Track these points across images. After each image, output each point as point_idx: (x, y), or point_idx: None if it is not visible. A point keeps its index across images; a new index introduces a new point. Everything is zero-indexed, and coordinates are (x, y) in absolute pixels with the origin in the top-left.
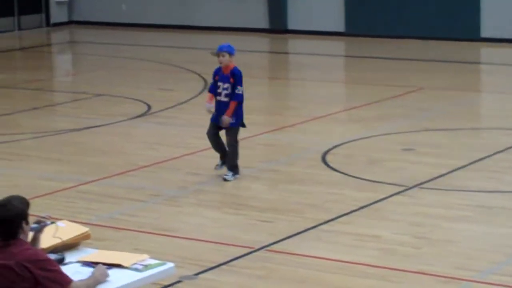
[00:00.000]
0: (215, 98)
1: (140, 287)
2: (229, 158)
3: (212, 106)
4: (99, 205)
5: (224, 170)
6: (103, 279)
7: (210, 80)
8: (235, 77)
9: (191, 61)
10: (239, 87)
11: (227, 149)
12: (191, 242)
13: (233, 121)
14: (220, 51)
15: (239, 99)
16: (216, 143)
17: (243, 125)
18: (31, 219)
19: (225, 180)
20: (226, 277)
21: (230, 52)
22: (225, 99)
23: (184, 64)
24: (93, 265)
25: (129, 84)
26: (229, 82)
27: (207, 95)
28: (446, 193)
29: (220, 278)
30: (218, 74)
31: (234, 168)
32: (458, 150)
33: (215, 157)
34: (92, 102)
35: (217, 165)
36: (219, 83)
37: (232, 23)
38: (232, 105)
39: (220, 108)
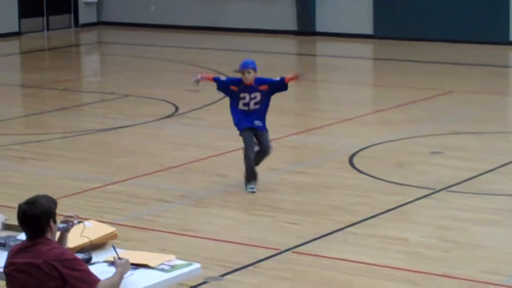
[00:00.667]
0: (240, 108)
1: (166, 287)
2: (260, 160)
3: (200, 79)
4: (126, 206)
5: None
6: (126, 270)
7: None
8: (266, 82)
9: (219, 62)
10: (274, 79)
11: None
12: (217, 243)
13: (261, 124)
14: (245, 68)
15: (282, 78)
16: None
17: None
18: (58, 219)
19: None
20: (251, 278)
21: (255, 68)
22: (256, 107)
23: (211, 65)
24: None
25: (157, 85)
26: (257, 91)
27: (208, 75)
28: (474, 197)
29: (245, 280)
30: (239, 86)
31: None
32: (487, 153)
33: (243, 158)
34: (120, 103)
35: (251, 187)
36: (243, 94)
37: (259, 25)
38: (289, 78)
39: (250, 116)
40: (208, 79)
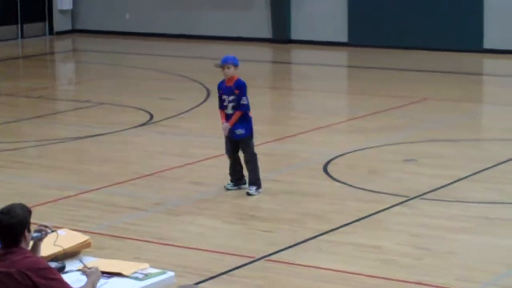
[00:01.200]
0: (227, 114)
1: None
2: (250, 173)
3: (226, 124)
4: (100, 214)
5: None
6: (98, 279)
7: (212, 89)
8: (240, 88)
9: (194, 70)
10: (244, 98)
11: (242, 171)
12: (191, 251)
13: (243, 131)
14: (225, 63)
15: (244, 109)
16: (234, 160)
17: (250, 136)
18: (32, 227)
19: (249, 194)
20: (225, 286)
21: (235, 64)
22: (232, 112)
23: (186, 73)
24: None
25: (132, 93)
26: (234, 94)
27: (219, 114)
28: (448, 204)
29: None
30: (222, 88)
31: (256, 182)
32: (460, 161)
33: (217, 166)
34: (95, 111)
35: (228, 184)
36: (224, 97)
37: (235, 33)
38: (236, 115)
39: (228, 121)
40: (223, 117)
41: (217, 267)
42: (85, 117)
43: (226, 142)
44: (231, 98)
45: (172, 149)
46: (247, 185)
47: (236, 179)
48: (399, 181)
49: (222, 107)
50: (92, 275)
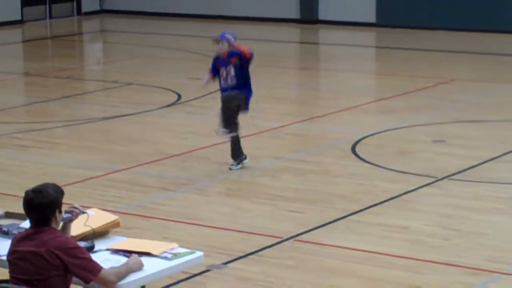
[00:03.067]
0: (223, 85)
1: (169, 275)
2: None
3: (208, 83)
4: (128, 194)
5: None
6: (137, 268)
7: None
8: (234, 54)
9: None
10: (241, 51)
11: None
12: (220, 232)
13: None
14: (220, 39)
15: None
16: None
17: (247, 109)
18: (63, 207)
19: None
20: (254, 266)
21: (229, 40)
22: (233, 82)
23: (214, 53)
24: (123, 253)
25: (159, 73)
26: (229, 64)
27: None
28: (476, 185)
29: (248, 268)
30: (218, 61)
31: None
32: (489, 141)
33: (245, 146)
34: (123, 91)
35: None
36: (221, 69)
37: (262, 13)
38: (244, 49)
39: (229, 89)
40: (209, 77)
41: (246, 247)
42: (113, 97)
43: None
44: (229, 68)
45: (200, 129)
46: (247, 160)
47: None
48: (427, 162)
49: (214, 72)
50: (135, 264)
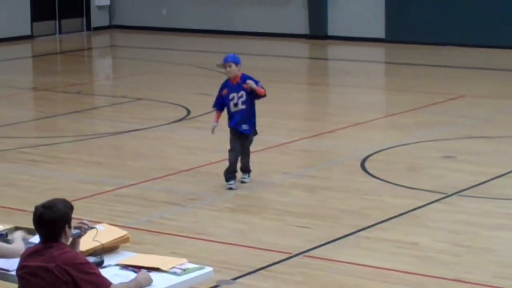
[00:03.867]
0: (232, 110)
1: None
2: (246, 163)
3: (216, 125)
4: (138, 209)
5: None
6: (146, 284)
7: None
8: (247, 79)
9: None
10: (259, 83)
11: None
12: (229, 247)
13: (247, 127)
14: (226, 62)
15: (260, 85)
16: (236, 158)
17: (256, 133)
18: (72, 222)
19: (244, 182)
20: (263, 282)
21: (236, 62)
22: (243, 107)
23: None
24: (132, 268)
25: (169, 88)
26: (243, 90)
27: (214, 112)
28: (486, 201)
29: (257, 283)
30: (227, 87)
31: (249, 170)
32: (498, 158)
33: (254, 162)
34: (132, 106)
35: (231, 184)
36: (232, 95)
37: (272, 29)
38: (260, 91)
39: (238, 117)
40: (218, 116)
41: (255, 262)
42: (122, 112)
43: (233, 139)
44: (240, 94)
45: (209, 145)
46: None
47: (234, 173)
48: (437, 178)
49: (221, 107)
50: (144, 279)
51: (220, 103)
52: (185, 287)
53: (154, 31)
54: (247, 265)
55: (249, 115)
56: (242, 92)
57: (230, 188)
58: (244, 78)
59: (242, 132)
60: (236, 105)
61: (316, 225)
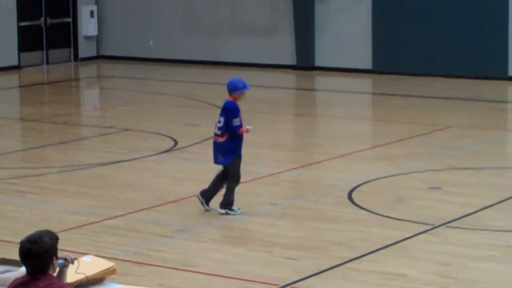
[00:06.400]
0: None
1: None
2: (225, 194)
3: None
4: (125, 240)
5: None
6: None
7: None
8: (227, 113)
9: (218, 97)
10: (233, 120)
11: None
12: (215, 279)
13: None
14: (248, 89)
15: (237, 129)
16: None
17: (239, 157)
18: (58, 254)
19: (221, 214)
20: None
21: (229, 89)
22: (218, 132)
23: (211, 99)
24: None
25: (156, 119)
26: (222, 116)
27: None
28: (473, 233)
29: None
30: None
31: (228, 205)
32: (485, 189)
33: (241, 193)
34: (119, 137)
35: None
36: (240, 117)
37: (259, 59)
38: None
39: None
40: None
41: None
42: (109, 143)
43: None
44: (221, 118)
45: (196, 176)
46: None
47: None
48: (424, 209)
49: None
50: None
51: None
52: None
53: (141, 62)
54: None
55: (221, 146)
56: (222, 118)
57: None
58: (225, 106)
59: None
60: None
61: (303, 256)
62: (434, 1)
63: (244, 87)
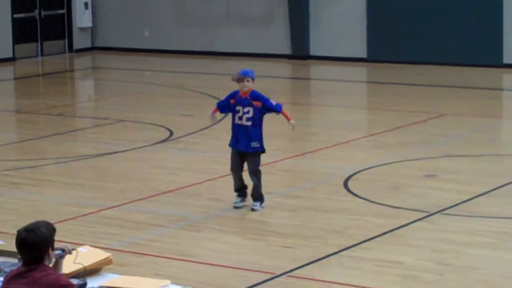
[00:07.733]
0: (236, 122)
1: None
2: (254, 188)
3: (213, 115)
4: (121, 230)
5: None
6: None
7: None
8: (260, 99)
9: (213, 87)
10: (270, 101)
11: (245, 183)
12: (212, 268)
13: (258, 145)
14: (245, 76)
15: (280, 108)
16: (239, 178)
17: (264, 151)
18: (55, 245)
19: (253, 210)
20: None
21: (253, 78)
22: (247, 123)
23: (205, 89)
24: None
25: (151, 109)
26: (251, 106)
27: (213, 107)
28: (469, 220)
29: None
30: (235, 98)
31: (260, 197)
32: (480, 176)
33: None
34: (114, 128)
35: (235, 203)
36: (238, 107)
37: (254, 49)
38: (285, 113)
39: (241, 133)
40: (213, 110)
41: (239, 283)
42: (105, 134)
43: (233, 158)
44: (247, 109)
45: (192, 166)
46: (249, 200)
47: (241, 190)
48: (420, 197)
49: (220, 108)
50: None
51: (225, 108)
52: None
53: (136, 53)
54: (230, 286)
55: (253, 133)
56: (249, 108)
57: (234, 207)
58: (254, 95)
59: (243, 151)
60: (240, 118)
61: (300, 245)
62: None
63: (240, 74)
